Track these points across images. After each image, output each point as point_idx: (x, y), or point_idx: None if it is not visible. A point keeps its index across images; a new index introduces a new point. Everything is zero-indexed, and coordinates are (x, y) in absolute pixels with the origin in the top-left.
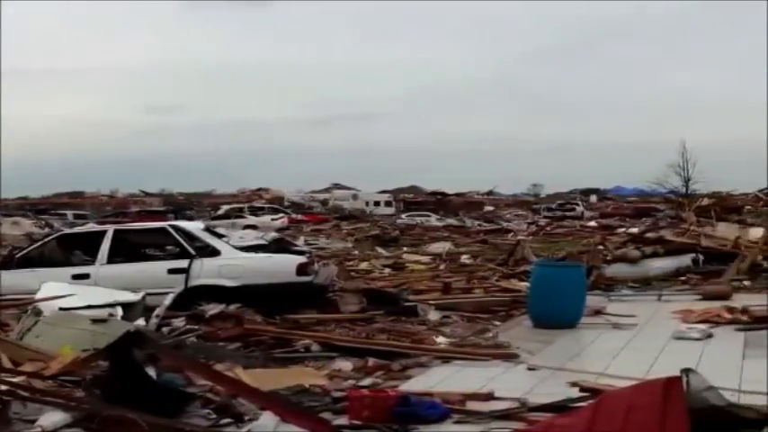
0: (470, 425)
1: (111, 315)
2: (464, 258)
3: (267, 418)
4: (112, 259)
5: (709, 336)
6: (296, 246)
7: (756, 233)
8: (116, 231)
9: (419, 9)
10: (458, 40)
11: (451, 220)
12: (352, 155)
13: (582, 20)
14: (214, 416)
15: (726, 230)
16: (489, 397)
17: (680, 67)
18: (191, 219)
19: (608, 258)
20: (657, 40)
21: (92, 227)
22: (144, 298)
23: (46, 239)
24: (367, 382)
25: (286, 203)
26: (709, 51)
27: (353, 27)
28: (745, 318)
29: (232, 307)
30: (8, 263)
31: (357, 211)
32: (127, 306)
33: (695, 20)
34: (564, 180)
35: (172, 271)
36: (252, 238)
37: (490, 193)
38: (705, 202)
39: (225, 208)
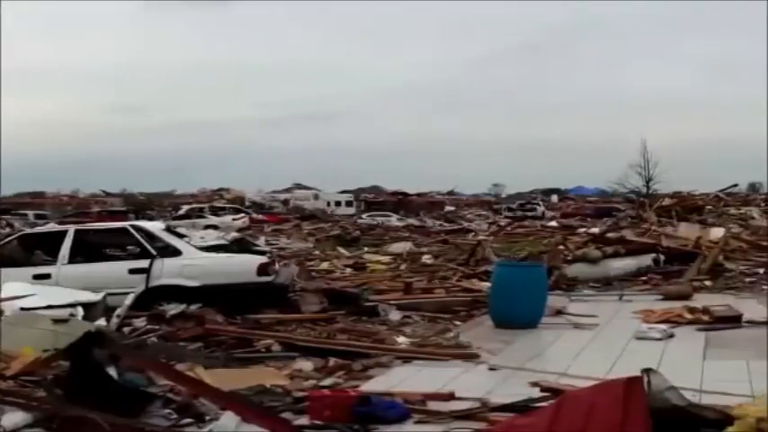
0: (431, 425)
1: (72, 315)
2: (425, 258)
3: (228, 418)
4: (73, 259)
5: (670, 336)
6: (257, 246)
7: (717, 233)
8: (77, 231)
9: (381, 9)
10: (419, 40)
11: (412, 220)
12: (314, 155)
13: (543, 21)
14: (175, 416)
15: (687, 230)
16: (450, 397)
17: (640, 66)
18: (152, 219)
19: (569, 258)
20: (619, 40)
21: (53, 227)
22: (105, 298)
23: (7, 239)
24: (328, 382)
25: (247, 203)
26: (668, 51)
27: (315, 27)
28: (705, 318)
29: (193, 307)
30: None
31: (318, 211)
32: (88, 306)
33: (657, 20)
34: (525, 180)
35: (133, 271)
36: (213, 238)
37: (451, 192)
38: (666, 201)
39: (186, 208)
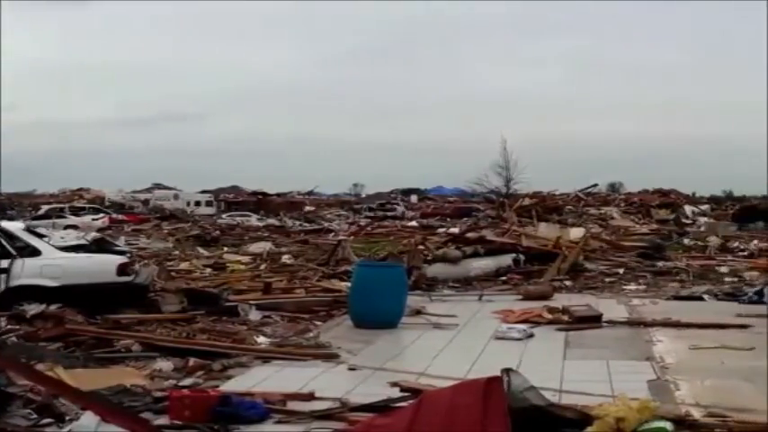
0: (291, 425)
1: None
2: (285, 258)
3: (88, 419)
4: None
5: (530, 336)
6: (117, 246)
7: (577, 233)
8: None
9: (240, 9)
10: (277, 40)
11: (272, 220)
12: (174, 155)
13: (398, 20)
14: (35, 416)
15: (547, 230)
16: (310, 397)
17: (498, 66)
18: (12, 219)
19: (429, 258)
20: (478, 40)
21: None
22: None
23: None
24: (188, 382)
25: (107, 203)
26: (529, 51)
27: (173, 27)
28: (565, 318)
29: (53, 307)
30: None
31: (178, 211)
32: None
33: (515, 20)
34: (385, 180)
35: None
36: (73, 238)
37: (311, 193)
38: (526, 201)
39: (45, 208)
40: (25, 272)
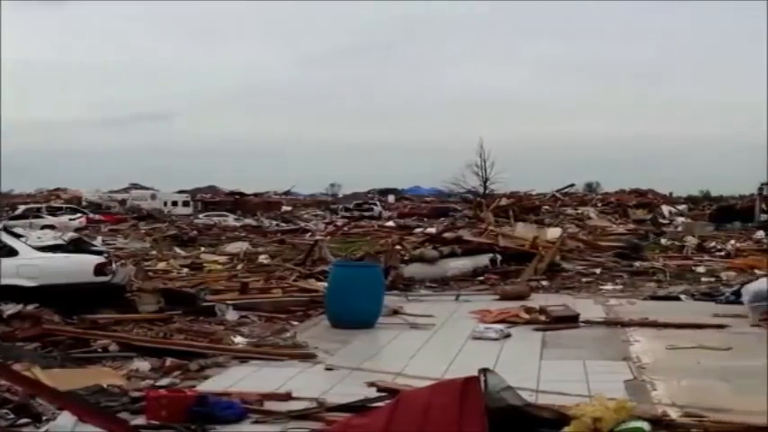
0: (268, 425)
1: None
2: (262, 258)
3: (65, 419)
4: None
5: (507, 336)
6: (94, 246)
7: (554, 233)
8: None
9: (215, 9)
10: (255, 40)
11: (249, 220)
12: (151, 155)
13: (377, 20)
14: (12, 416)
15: (524, 230)
16: (287, 397)
17: (476, 67)
18: None
19: (406, 258)
20: (454, 40)
21: None
22: None
23: None
24: (165, 382)
25: (84, 203)
26: (506, 52)
27: (149, 27)
28: (542, 318)
29: (30, 307)
30: None
31: (155, 211)
32: None
33: (492, 20)
34: (362, 180)
35: None
36: (50, 238)
37: (288, 193)
38: (503, 201)
39: (22, 208)
40: (2, 272)
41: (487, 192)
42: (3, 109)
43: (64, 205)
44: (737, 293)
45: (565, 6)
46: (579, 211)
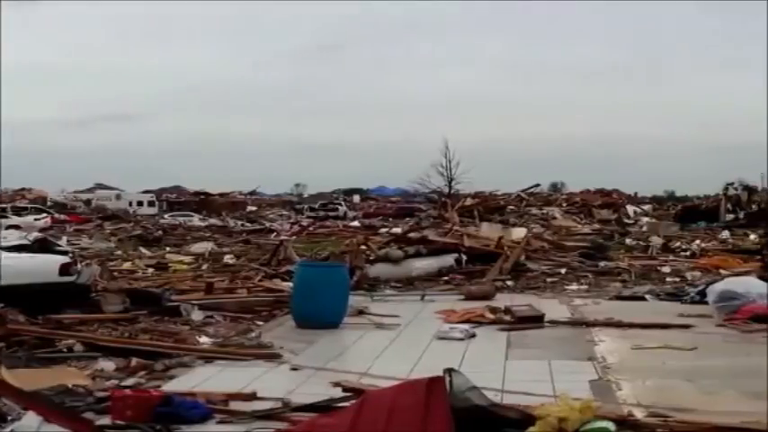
0: (233, 425)
1: None
2: (227, 258)
3: (30, 419)
4: None
5: (472, 336)
6: (59, 246)
7: (519, 233)
8: None
9: (180, 9)
10: (218, 40)
11: (214, 220)
12: (115, 155)
13: (337, 20)
14: None
15: (489, 230)
16: (252, 397)
17: (440, 67)
18: None
19: (371, 258)
20: (420, 39)
21: None
22: None
23: None
24: (130, 382)
25: (49, 203)
26: (471, 51)
27: (114, 28)
28: (507, 318)
29: None
30: None
31: (120, 211)
32: None
33: (456, 20)
34: (327, 180)
35: None
36: (15, 238)
37: (253, 192)
38: (468, 201)
39: None
40: None
41: (452, 192)
42: None
43: (29, 205)
44: (702, 293)
45: (530, 6)
46: (544, 211)
